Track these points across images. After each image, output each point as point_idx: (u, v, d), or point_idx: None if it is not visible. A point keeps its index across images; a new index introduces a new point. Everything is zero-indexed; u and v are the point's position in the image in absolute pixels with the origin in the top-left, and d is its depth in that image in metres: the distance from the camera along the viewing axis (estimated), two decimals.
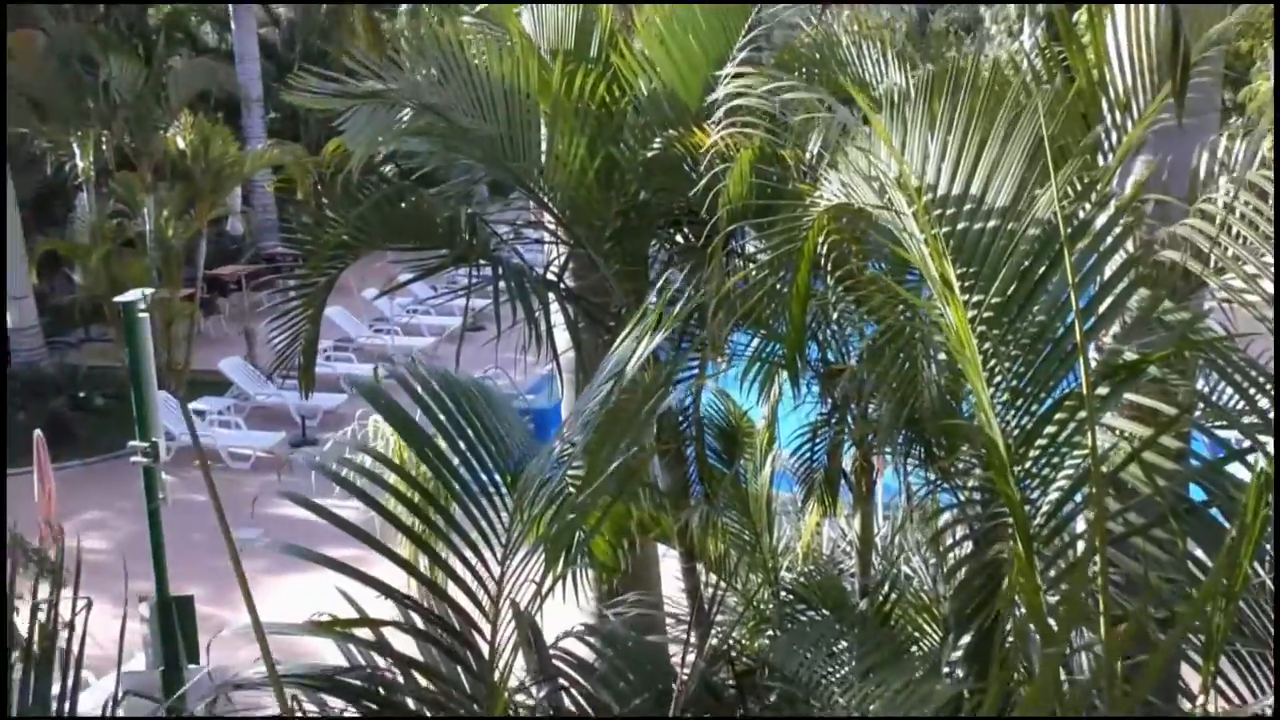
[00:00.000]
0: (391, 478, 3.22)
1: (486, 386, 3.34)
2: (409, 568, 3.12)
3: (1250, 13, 4.98)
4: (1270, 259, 3.42)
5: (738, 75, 4.55)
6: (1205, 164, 5.34)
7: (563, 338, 6.34)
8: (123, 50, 19.38)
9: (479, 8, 6.79)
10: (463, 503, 2.92)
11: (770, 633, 5.87)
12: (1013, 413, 2.92)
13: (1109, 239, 2.95)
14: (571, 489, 2.95)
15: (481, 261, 6.03)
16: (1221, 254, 3.21)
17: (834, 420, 5.89)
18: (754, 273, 4.28)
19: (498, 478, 3.04)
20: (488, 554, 3.05)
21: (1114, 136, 5.01)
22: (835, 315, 5.16)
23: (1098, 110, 5.03)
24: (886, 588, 5.49)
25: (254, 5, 27.10)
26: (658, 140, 5.69)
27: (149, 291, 8.46)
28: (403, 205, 5.87)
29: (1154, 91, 5.03)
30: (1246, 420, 3.09)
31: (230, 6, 26.76)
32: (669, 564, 7.12)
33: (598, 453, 2.90)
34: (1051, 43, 5.41)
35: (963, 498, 4.15)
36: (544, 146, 6.02)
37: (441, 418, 3.05)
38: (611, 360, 3.11)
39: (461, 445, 3.08)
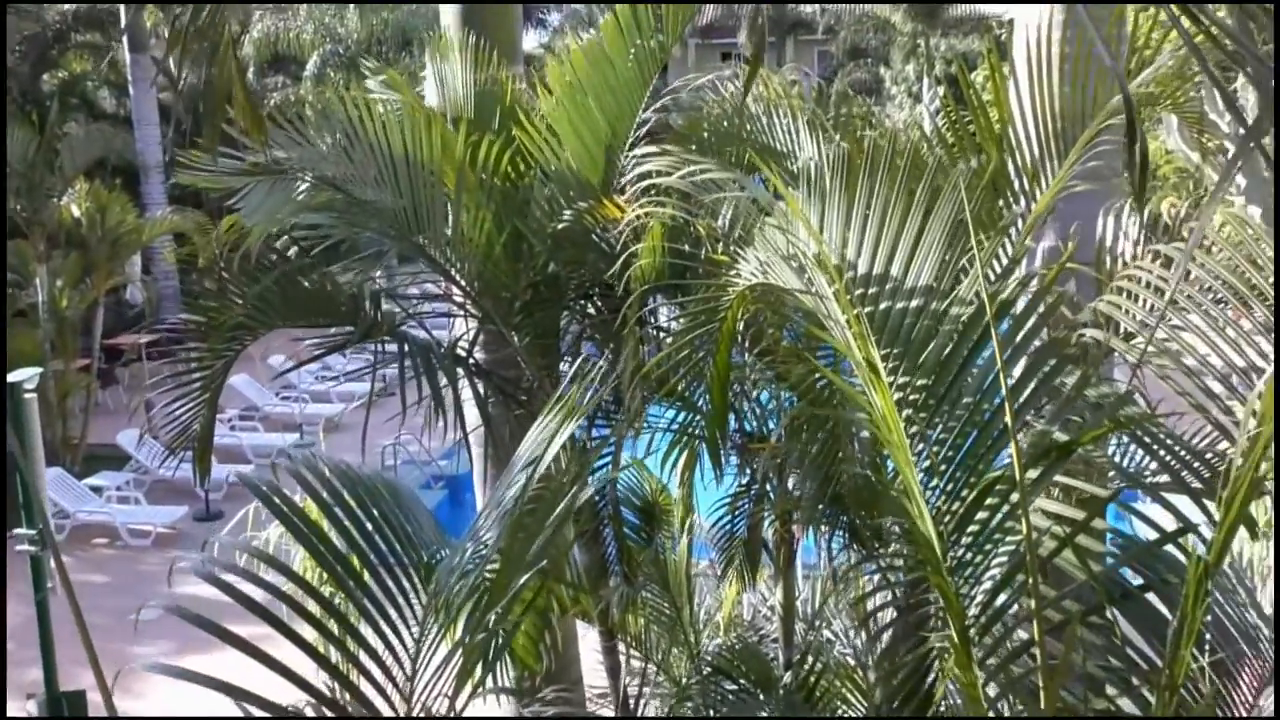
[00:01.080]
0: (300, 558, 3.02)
1: (391, 481, 3.15)
2: (318, 656, 2.90)
3: (1145, 82, 5.06)
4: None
5: (647, 155, 4.44)
6: (1110, 229, 5.43)
7: (473, 412, 6.17)
8: (14, 117, 18.82)
9: (380, 77, 6.64)
10: (368, 614, 2.72)
11: (692, 707, 5.72)
12: (943, 498, 2.82)
13: (1033, 319, 2.88)
14: (488, 587, 2.78)
15: (387, 337, 5.84)
16: (1142, 330, 3.18)
17: (753, 491, 5.79)
18: (670, 347, 4.15)
19: (405, 582, 2.85)
20: (400, 652, 2.86)
21: (1022, 201, 5.07)
22: (754, 387, 5.07)
23: (1005, 176, 5.07)
24: (810, 659, 5.38)
25: (153, 73, 26.59)
26: (566, 213, 5.58)
27: (37, 371, 8.05)
28: (305, 283, 5.66)
29: (1059, 156, 5.10)
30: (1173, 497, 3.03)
31: (128, 72, 26.24)
32: (588, 639, 6.94)
33: (515, 550, 2.73)
34: (956, 106, 5.45)
35: (888, 572, 4.06)
36: (449, 219, 5.88)
37: (344, 519, 2.86)
38: (527, 448, 2.96)
39: (365, 546, 2.89)
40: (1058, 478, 2.92)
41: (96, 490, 16.41)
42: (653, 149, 4.37)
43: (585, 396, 2.75)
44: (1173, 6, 1.79)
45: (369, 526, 2.87)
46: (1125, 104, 2.33)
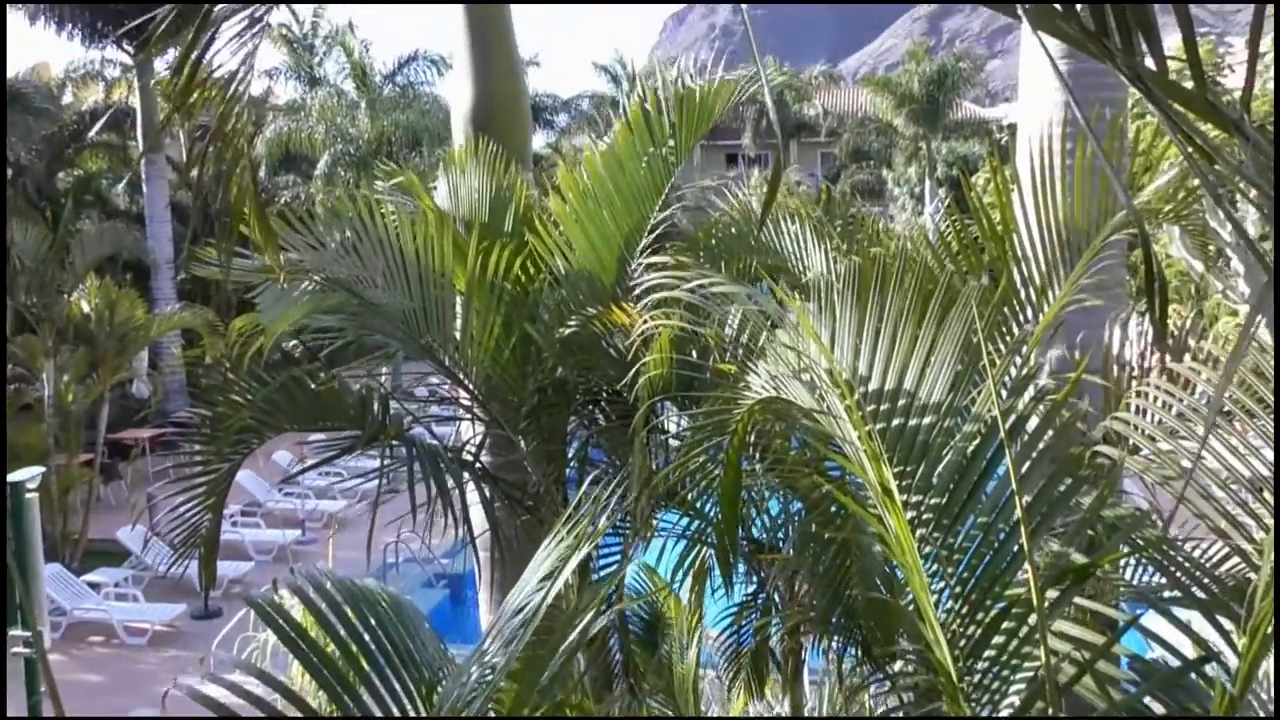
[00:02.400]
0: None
1: (394, 596, 3.10)
2: None
3: (1150, 197, 5.11)
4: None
5: (655, 264, 4.47)
6: (1118, 339, 5.43)
7: (478, 514, 6.11)
8: (28, 215, 19.08)
9: (392, 181, 6.73)
10: None
11: None
12: (958, 621, 2.77)
13: (1047, 435, 2.86)
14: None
15: (395, 441, 5.82)
16: (1150, 444, 3.16)
17: (761, 599, 5.71)
18: (679, 460, 4.13)
19: (406, 703, 2.78)
20: None
21: (1030, 311, 5.08)
22: (762, 498, 5.02)
23: (1012, 286, 5.09)
24: None
25: (167, 171, 26.99)
26: (574, 318, 5.60)
27: (39, 470, 8.02)
28: (313, 385, 5.66)
29: (1066, 266, 5.13)
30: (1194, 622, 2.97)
31: (143, 170, 26.65)
32: None
33: (524, 681, 2.67)
34: (960, 214, 5.51)
35: (899, 692, 3.98)
36: (459, 322, 5.91)
37: (346, 637, 2.80)
38: (535, 569, 2.91)
39: (366, 666, 2.82)
40: (1080, 601, 2.87)
41: (94, 587, 16.23)
42: (661, 259, 4.39)
43: (597, 518, 2.70)
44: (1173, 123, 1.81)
45: (371, 646, 2.81)
46: (1135, 222, 2.35)
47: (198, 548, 5.79)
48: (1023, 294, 4.92)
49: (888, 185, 41.21)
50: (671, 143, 5.64)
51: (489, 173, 6.17)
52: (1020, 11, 1.70)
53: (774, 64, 45.77)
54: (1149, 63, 1.72)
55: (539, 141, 39.55)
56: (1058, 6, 1.70)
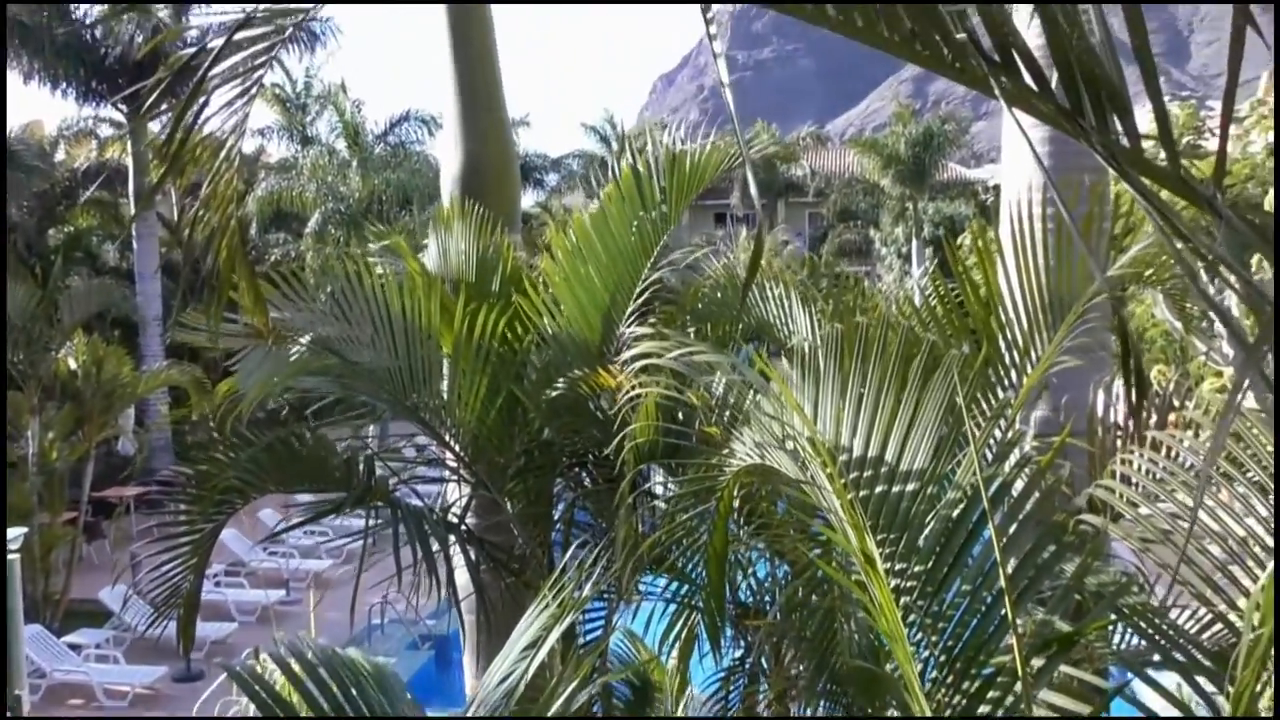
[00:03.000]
0: None
1: (378, 665, 3.07)
2: None
3: (1130, 263, 5.16)
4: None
5: (642, 337, 4.49)
6: (1101, 401, 5.45)
7: (463, 576, 6.07)
8: (18, 272, 19.08)
9: (384, 242, 6.76)
10: None
11: None
12: (944, 691, 2.75)
13: (1030, 503, 2.86)
14: None
15: (380, 502, 5.79)
16: (1137, 516, 3.16)
17: (748, 665, 5.66)
18: (665, 529, 4.11)
19: None
20: None
21: (1013, 374, 5.11)
22: (748, 561, 5.00)
23: (997, 349, 5.13)
24: None
25: (158, 229, 27.07)
26: (561, 380, 5.60)
27: (21, 531, 7.95)
28: (298, 446, 5.64)
29: (1049, 329, 5.16)
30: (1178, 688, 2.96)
31: (134, 227, 26.73)
32: None
33: None
34: (944, 279, 5.55)
35: None
36: (445, 383, 5.91)
37: (326, 707, 2.77)
38: (519, 637, 2.89)
39: None
40: (1066, 669, 2.86)
41: (75, 648, 16.00)
42: (646, 330, 4.41)
43: (582, 584, 2.69)
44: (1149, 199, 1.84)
45: (351, 717, 2.78)
46: (1111, 296, 2.38)
47: (178, 608, 5.74)
48: (1006, 358, 4.95)
49: (875, 245, 41.51)
50: (662, 207, 5.67)
51: (477, 235, 6.21)
52: (996, 90, 1.73)
53: (762, 125, 46.32)
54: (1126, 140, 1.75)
55: (528, 200, 39.81)
56: (1033, 86, 1.73)
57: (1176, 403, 5.71)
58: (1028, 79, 1.72)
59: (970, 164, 47.45)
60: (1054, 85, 1.76)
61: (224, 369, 6.61)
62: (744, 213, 44.72)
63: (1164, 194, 1.81)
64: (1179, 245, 1.59)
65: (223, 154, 2.57)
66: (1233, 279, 1.54)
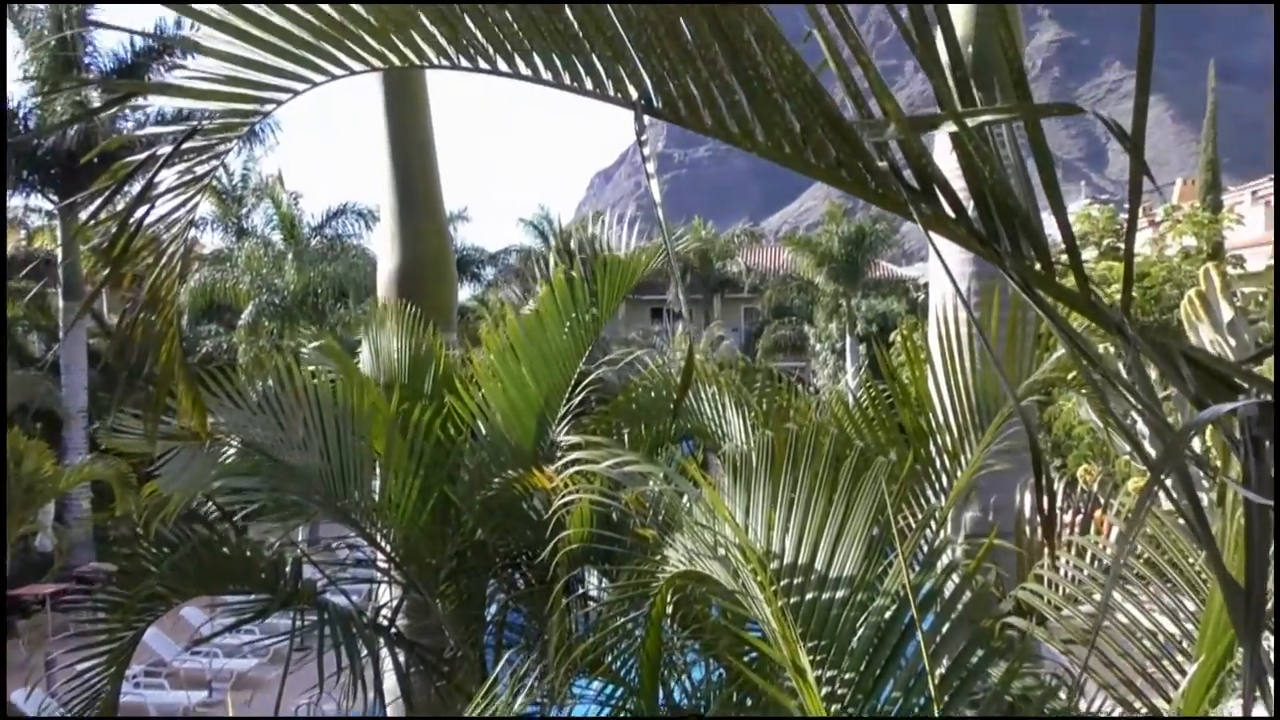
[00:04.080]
0: None
1: None
2: None
3: (1054, 366, 5.29)
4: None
5: (574, 445, 4.52)
6: (1028, 502, 5.55)
7: (393, 680, 5.95)
8: None
9: (315, 343, 6.73)
10: None
11: None
12: None
13: (959, 607, 2.90)
14: None
15: (306, 605, 5.68)
16: (1059, 617, 3.21)
17: None
18: (599, 635, 4.09)
19: None
20: None
21: (943, 477, 5.19)
22: (683, 661, 4.96)
23: (925, 450, 5.21)
24: None
25: (86, 319, 26.64)
26: (495, 481, 5.58)
27: None
28: (225, 549, 5.53)
29: (977, 431, 5.27)
30: None
31: (60, 317, 26.29)
32: None
33: None
34: (873, 377, 5.65)
35: None
36: (377, 483, 5.85)
37: None
38: None
39: None
40: None
41: None
42: (578, 440, 4.43)
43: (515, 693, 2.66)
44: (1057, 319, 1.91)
45: None
46: (1015, 407, 2.44)
47: (96, 715, 5.54)
48: (936, 461, 5.03)
49: (809, 340, 42.03)
50: (593, 310, 5.74)
51: (411, 335, 6.21)
52: (916, 215, 1.80)
53: (698, 222, 47.05)
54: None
55: (465, 293, 39.87)
56: (950, 213, 1.81)
57: (1102, 500, 5.84)
58: (945, 206, 1.80)
59: (901, 262, 48.49)
60: (971, 211, 1.84)
61: (150, 463, 6.49)
62: (680, 307, 45.15)
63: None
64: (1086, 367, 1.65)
65: (163, 261, 2.58)
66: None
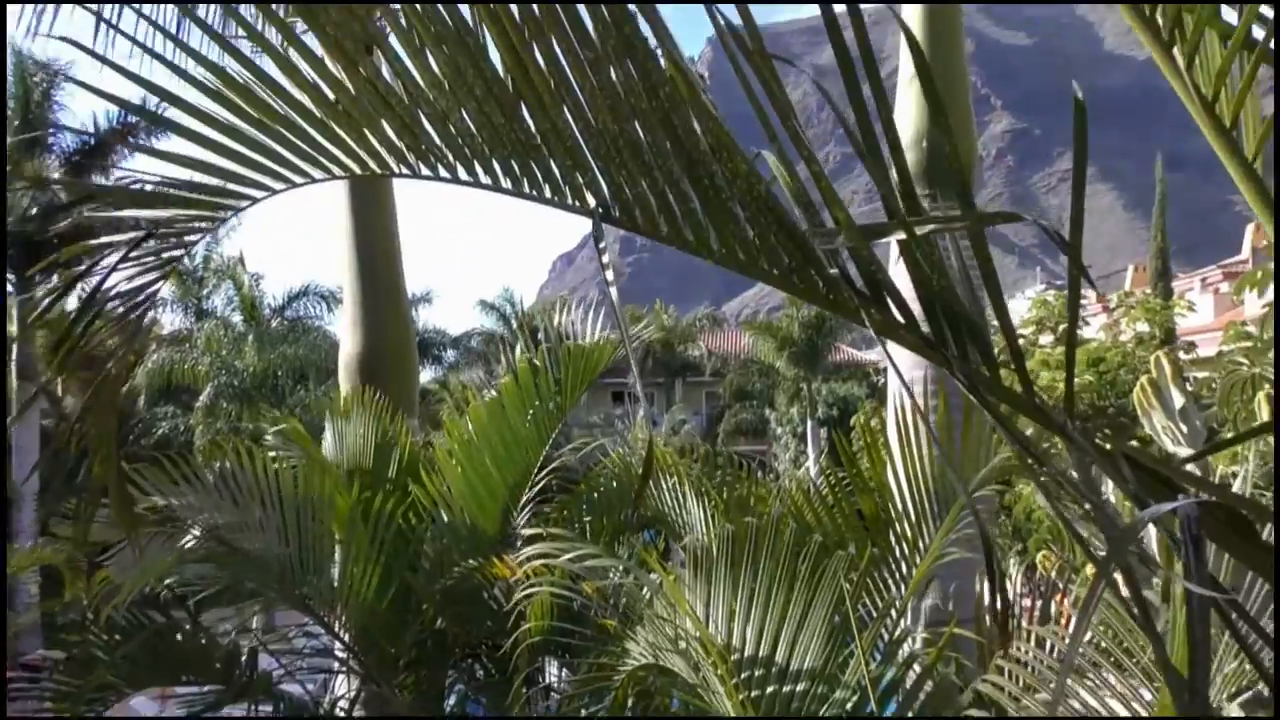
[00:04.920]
0: None
1: None
2: None
3: (1009, 458, 5.36)
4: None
5: (535, 536, 4.53)
6: (987, 589, 5.58)
7: None
8: None
9: (278, 427, 6.70)
10: None
11: None
12: None
13: (920, 698, 2.92)
14: None
15: (262, 696, 5.59)
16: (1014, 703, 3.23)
17: None
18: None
19: None
20: None
21: (903, 566, 5.21)
22: None
23: (884, 538, 5.24)
24: None
25: (40, 400, 26.29)
26: (456, 569, 5.56)
27: None
28: (178, 637, 5.45)
29: (935, 519, 5.31)
30: None
31: (13, 398, 25.92)
32: None
33: None
34: (834, 467, 5.69)
35: None
36: (337, 571, 5.80)
37: None
38: None
39: None
40: None
41: None
42: (539, 532, 4.44)
43: None
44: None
45: None
46: (965, 497, 2.49)
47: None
48: (896, 549, 5.06)
49: (771, 424, 42.16)
50: (557, 397, 5.78)
51: (374, 420, 6.21)
52: (867, 321, 1.86)
53: (660, 306, 47.40)
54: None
55: (427, 375, 39.76)
56: (900, 318, 1.87)
57: (1060, 585, 5.88)
58: (895, 312, 1.87)
59: (862, 346, 49.01)
60: (919, 317, 1.90)
61: (104, 549, 6.41)
62: (641, 390, 45.22)
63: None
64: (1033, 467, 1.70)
65: (118, 353, 2.59)
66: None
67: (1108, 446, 1.76)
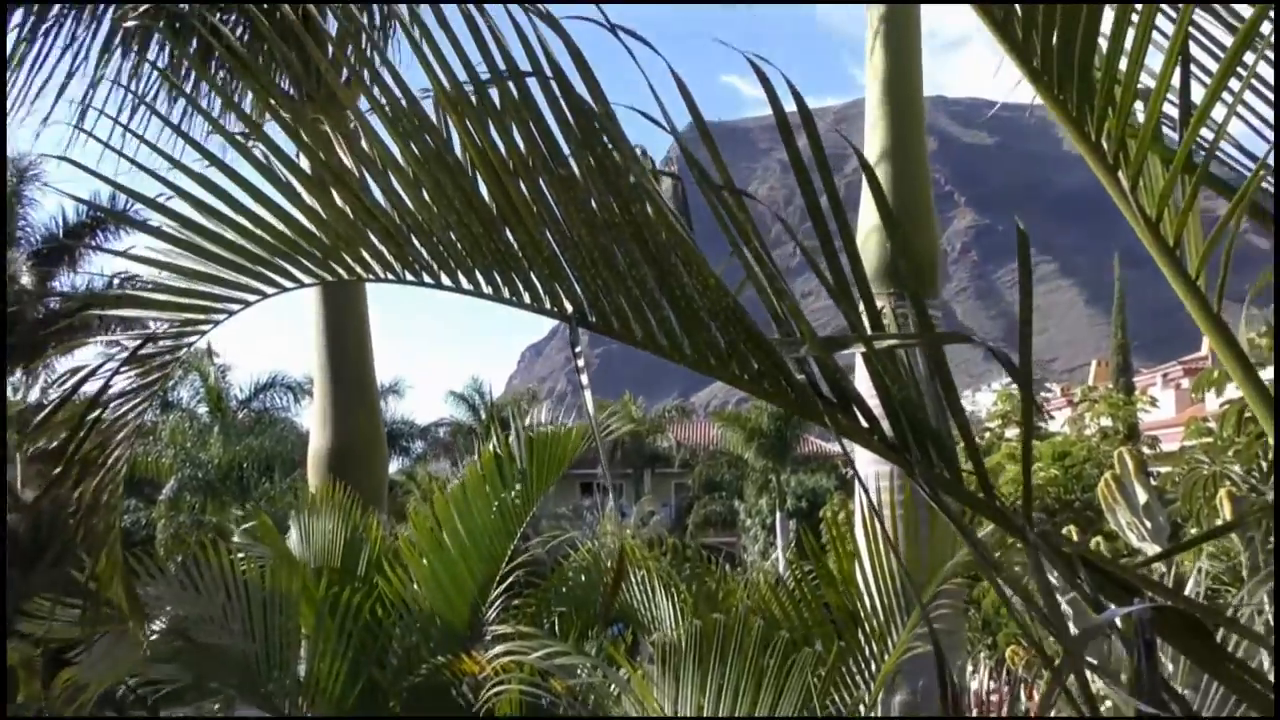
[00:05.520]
0: None
1: None
2: None
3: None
4: None
5: (504, 636, 4.53)
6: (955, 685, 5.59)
7: None
8: None
9: (247, 525, 6.67)
10: None
11: None
12: None
13: None
14: None
15: None
16: None
17: None
18: None
19: None
20: None
21: (872, 663, 5.23)
22: None
23: (852, 632, 5.26)
24: None
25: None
26: (424, 666, 5.52)
27: None
28: None
29: (903, 613, 5.34)
30: None
31: None
32: None
33: None
34: (800, 560, 5.72)
35: None
36: (303, 668, 5.74)
37: None
38: None
39: None
40: None
41: None
42: (508, 630, 4.45)
43: None
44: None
45: None
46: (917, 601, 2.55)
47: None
48: (864, 646, 5.08)
49: (740, 516, 42.02)
50: (518, 487, 5.81)
51: (343, 516, 6.20)
52: (832, 426, 1.93)
53: (628, 398, 47.45)
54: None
55: (395, 465, 39.45)
56: (864, 423, 1.95)
57: (1029, 679, 5.90)
58: (860, 417, 1.94)
59: (830, 438, 49.13)
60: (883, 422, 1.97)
61: (67, 647, 6.31)
62: (612, 482, 45.06)
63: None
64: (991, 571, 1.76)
65: (107, 464, 2.63)
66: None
67: (1065, 549, 1.82)
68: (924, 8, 6.73)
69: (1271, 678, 2.97)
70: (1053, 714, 3.80)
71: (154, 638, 5.43)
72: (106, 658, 4.99)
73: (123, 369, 2.10)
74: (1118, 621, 1.67)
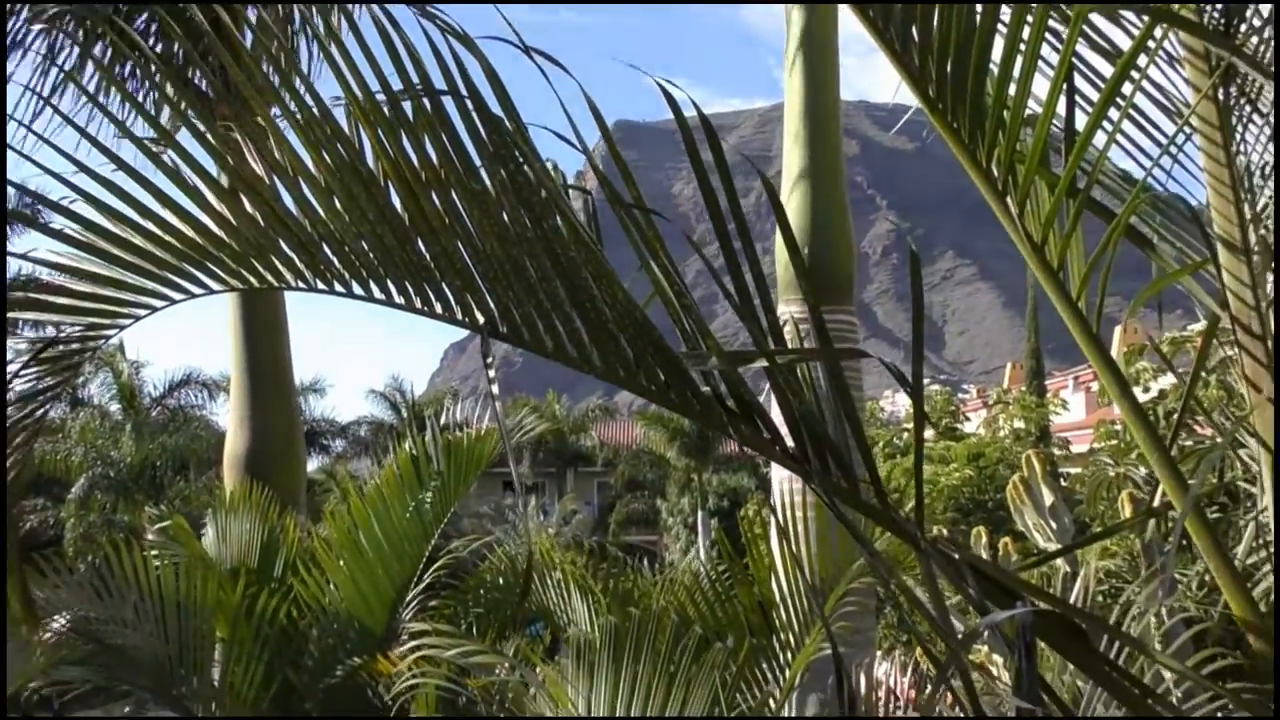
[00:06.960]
0: None
1: None
2: None
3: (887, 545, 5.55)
4: None
5: (421, 633, 4.55)
6: (863, 684, 5.72)
7: None
8: None
9: (162, 524, 6.58)
10: None
11: None
12: None
13: None
14: None
15: None
16: None
17: None
18: None
19: None
20: None
21: (784, 658, 5.33)
22: None
23: (765, 631, 5.36)
24: None
25: None
26: (340, 668, 5.50)
27: None
28: None
29: (814, 614, 5.46)
30: None
31: None
32: None
33: None
34: (717, 561, 5.82)
35: None
36: (217, 670, 5.68)
37: None
38: None
39: None
40: None
41: None
42: (424, 628, 4.46)
43: None
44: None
45: None
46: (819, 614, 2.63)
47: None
48: (777, 643, 5.18)
49: (662, 515, 42.22)
50: (441, 489, 5.81)
51: (259, 516, 6.15)
52: (735, 436, 2.00)
53: (552, 396, 47.38)
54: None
55: (314, 464, 38.92)
56: (766, 434, 2.01)
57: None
58: (762, 428, 2.01)
59: None
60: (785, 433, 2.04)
61: None
62: (532, 481, 44.99)
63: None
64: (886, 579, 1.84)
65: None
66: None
67: (955, 555, 1.91)
68: (844, 12, 6.83)
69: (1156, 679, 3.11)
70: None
71: (58, 640, 5.34)
72: (13, 662, 4.89)
73: (21, 373, 2.09)
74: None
